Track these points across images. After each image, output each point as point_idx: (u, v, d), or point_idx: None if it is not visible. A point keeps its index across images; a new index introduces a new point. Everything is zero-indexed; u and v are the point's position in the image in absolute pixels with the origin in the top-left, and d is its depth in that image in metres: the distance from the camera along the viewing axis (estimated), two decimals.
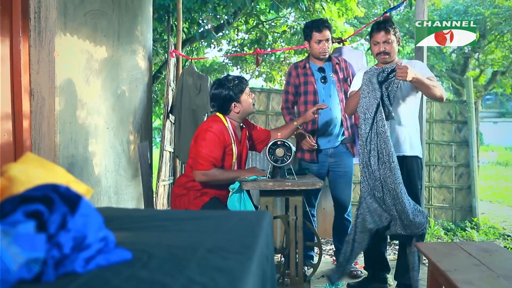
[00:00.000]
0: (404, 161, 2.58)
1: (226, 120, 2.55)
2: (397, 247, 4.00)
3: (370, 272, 2.84)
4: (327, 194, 3.60)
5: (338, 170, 3.05)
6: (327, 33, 2.99)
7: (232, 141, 2.53)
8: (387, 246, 3.92)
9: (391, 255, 3.74)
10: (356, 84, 2.69)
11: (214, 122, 2.51)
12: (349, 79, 3.11)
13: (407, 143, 2.61)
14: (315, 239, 2.65)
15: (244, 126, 2.69)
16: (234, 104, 2.54)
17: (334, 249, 3.32)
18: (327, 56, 3.05)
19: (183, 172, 3.53)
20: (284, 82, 3.21)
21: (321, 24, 3.00)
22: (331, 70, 3.07)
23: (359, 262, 3.30)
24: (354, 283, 2.84)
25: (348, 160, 3.08)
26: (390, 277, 3.01)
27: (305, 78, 3.05)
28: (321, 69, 3.06)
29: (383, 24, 2.65)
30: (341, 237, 3.22)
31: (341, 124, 3.03)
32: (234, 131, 2.57)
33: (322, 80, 3.04)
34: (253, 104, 2.63)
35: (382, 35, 2.61)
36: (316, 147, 2.95)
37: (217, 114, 2.59)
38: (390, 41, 2.61)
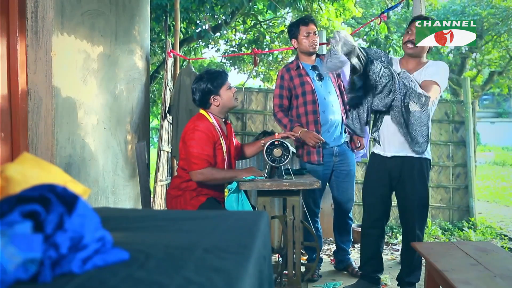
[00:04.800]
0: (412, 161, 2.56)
1: (210, 116, 2.55)
2: (394, 246, 4.01)
3: (364, 272, 2.80)
4: (324, 194, 3.60)
5: (342, 169, 3.00)
6: (313, 26, 2.98)
7: (220, 136, 2.52)
8: (385, 246, 3.93)
9: (389, 255, 3.74)
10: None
11: (199, 121, 2.50)
12: (341, 74, 3.10)
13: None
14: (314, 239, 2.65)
15: (227, 122, 2.68)
16: (213, 97, 2.53)
17: (335, 248, 3.28)
18: (317, 49, 3.02)
19: None
20: (276, 86, 3.08)
21: (307, 18, 3.01)
22: None
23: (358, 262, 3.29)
24: (350, 286, 2.80)
25: (351, 158, 3.06)
26: (387, 277, 3.01)
27: (300, 79, 2.96)
28: (314, 67, 3.01)
29: (423, 16, 2.68)
30: (344, 236, 3.20)
31: (342, 121, 2.99)
32: (220, 126, 2.56)
33: (318, 78, 2.98)
34: (236, 98, 2.60)
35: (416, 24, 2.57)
36: (323, 141, 2.84)
37: (201, 111, 2.59)
38: None
